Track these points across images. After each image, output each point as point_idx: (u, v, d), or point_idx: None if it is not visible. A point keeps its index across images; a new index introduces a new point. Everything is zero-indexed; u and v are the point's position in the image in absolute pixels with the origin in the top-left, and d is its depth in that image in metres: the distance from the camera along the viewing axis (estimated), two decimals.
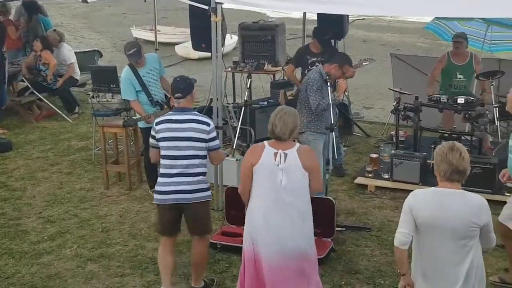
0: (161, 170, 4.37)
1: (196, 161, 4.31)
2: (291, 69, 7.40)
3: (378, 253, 5.25)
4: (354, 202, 6.33)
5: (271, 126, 3.88)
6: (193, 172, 4.31)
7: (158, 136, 4.33)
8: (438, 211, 3.29)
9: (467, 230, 3.27)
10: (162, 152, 4.33)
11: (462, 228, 3.26)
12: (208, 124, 4.35)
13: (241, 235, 5.34)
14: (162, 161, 4.35)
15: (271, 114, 3.99)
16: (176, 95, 4.38)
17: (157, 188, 4.40)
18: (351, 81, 6.89)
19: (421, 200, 3.37)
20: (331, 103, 5.59)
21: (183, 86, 4.40)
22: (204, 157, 4.36)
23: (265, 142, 3.94)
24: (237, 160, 6.64)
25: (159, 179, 4.38)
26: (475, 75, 7.19)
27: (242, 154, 6.81)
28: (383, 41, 17.28)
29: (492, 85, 6.91)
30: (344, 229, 5.59)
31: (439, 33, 8.61)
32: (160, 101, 6.37)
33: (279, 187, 3.82)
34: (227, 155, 6.68)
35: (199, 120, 4.34)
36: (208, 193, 4.42)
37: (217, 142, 4.42)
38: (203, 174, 4.38)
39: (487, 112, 6.45)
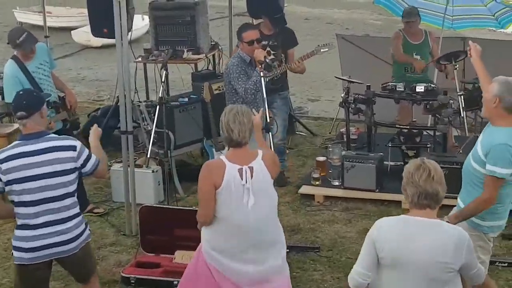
0: (19, 221, 4.10)
1: (68, 201, 4.12)
2: None
3: (329, 278, 5.34)
4: (299, 216, 6.41)
5: (225, 132, 3.97)
6: (66, 216, 4.12)
7: (8, 177, 4.00)
8: (405, 244, 3.22)
9: (438, 272, 3.17)
10: (17, 198, 4.05)
11: (431, 269, 3.17)
12: (74, 148, 4.13)
13: (160, 266, 5.36)
14: (18, 210, 4.08)
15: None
16: (19, 113, 4.06)
17: (19, 244, 4.11)
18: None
19: (387, 230, 3.30)
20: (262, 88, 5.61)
21: (27, 102, 4.11)
22: (75, 192, 4.18)
23: (222, 157, 4.02)
24: (153, 171, 6.61)
25: (19, 233, 4.10)
26: (435, 58, 7.39)
27: (159, 163, 6.79)
28: (328, 19, 17.61)
29: (456, 69, 7.14)
30: (287, 250, 5.61)
31: (391, 7, 8.76)
32: (55, 102, 6.27)
33: (246, 209, 3.95)
34: (141, 166, 6.64)
35: (61, 146, 4.11)
36: (88, 231, 4.30)
37: (93, 160, 4.20)
38: (79, 214, 4.24)
39: (451, 101, 6.64)
